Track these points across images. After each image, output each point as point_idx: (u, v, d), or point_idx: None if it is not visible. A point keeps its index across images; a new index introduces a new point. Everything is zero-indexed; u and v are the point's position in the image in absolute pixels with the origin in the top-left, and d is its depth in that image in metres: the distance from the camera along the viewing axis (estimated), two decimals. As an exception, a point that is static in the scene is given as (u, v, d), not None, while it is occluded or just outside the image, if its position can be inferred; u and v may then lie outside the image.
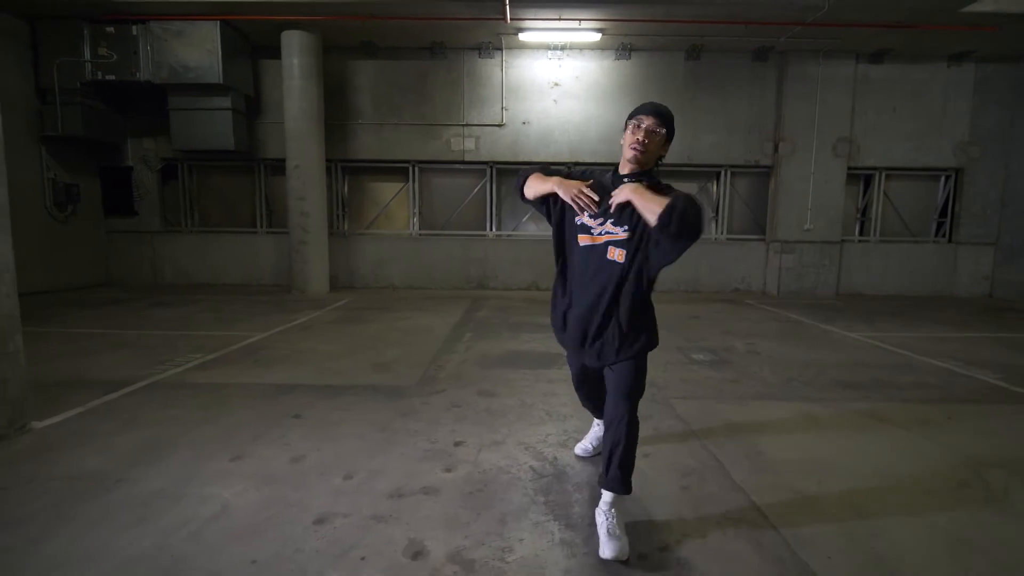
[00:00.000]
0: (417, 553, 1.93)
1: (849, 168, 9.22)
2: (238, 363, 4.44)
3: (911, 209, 9.77)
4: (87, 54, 7.89)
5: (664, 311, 7.33)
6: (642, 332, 2.03)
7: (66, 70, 7.84)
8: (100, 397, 3.53)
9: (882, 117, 9.20)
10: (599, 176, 2.10)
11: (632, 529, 2.10)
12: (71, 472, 2.50)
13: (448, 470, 2.59)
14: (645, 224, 1.86)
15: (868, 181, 9.69)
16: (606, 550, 1.90)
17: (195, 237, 9.59)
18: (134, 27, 7.84)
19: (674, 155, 9.19)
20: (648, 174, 2.01)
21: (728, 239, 9.65)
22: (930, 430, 3.22)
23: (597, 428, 2.75)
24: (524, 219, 9.71)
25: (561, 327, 2.19)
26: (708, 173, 9.63)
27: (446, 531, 2.07)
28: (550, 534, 2.07)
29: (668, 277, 9.49)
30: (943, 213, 9.74)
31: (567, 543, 2.02)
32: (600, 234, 2.00)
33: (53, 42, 7.83)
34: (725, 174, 9.51)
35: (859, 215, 9.82)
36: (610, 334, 2.02)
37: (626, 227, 1.95)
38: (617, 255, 1.97)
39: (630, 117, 2.01)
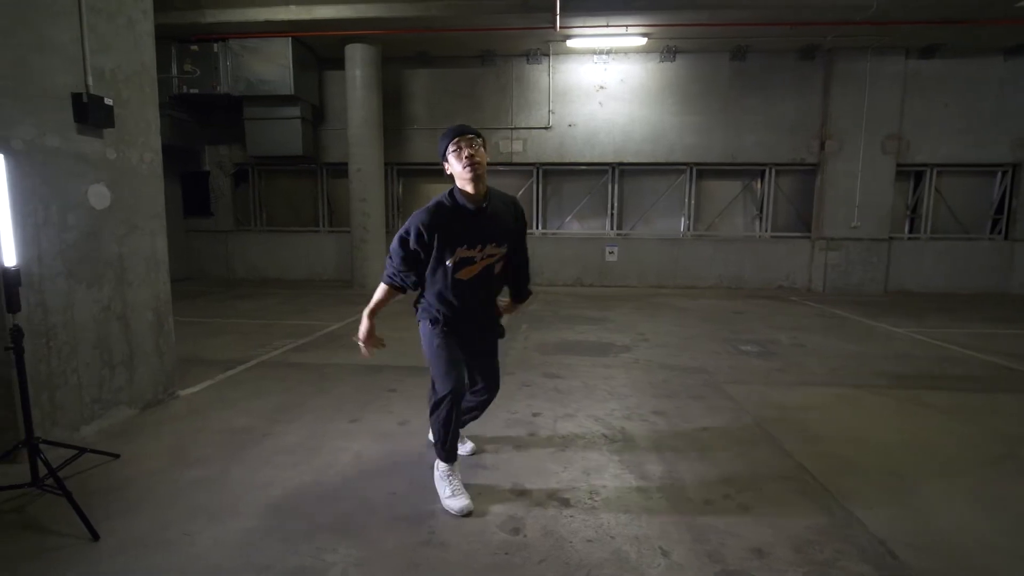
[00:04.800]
0: (521, 492, 2.38)
1: (898, 165, 9.21)
2: (327, 347, 5.01)
3: (964, 206, 9.65)
4: (174, 70, 8.71)
5: (708, 306, 7.64)
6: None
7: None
8: (223, 372, 4.13)
9: (933, 113, 9.14)
10: (439, 205, 2.17)
11: (698, 480, 2.48)
12: (226, 427, 3.06)
13: (531, 434, 3.03)
14: (515, 238, 2.32)
15: (919, 178, 9.64)
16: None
17: (264, 236, 10.38)
18: (215, 45, 8.60)
19: (717, 154, 9.47)
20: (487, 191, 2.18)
21: (772, 236, 9.78)
22: (971, 415, 3.46)
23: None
24: (568, 219, 10.09)
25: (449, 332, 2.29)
26: (752, 171, 9.78)
27: (541, 478, 2.51)
28: (628, 483, 2.48)
29: (711, 273, 9.71)
30: (999, 210, 9.60)
31: (643, 490, 2.43)
32: (483, 258, 2.20)
33: (145, 60, 8.66)
34: (770, 172, 9.64)
35: (909, 212, 9.78)
36: (492, 324, 2.42)
37: (505, 244, 2.25)
38: (500, 268, 2.30)
39: (445, 151, 2.13)
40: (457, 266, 2.15)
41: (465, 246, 2.13)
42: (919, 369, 4.51)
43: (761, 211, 9.83)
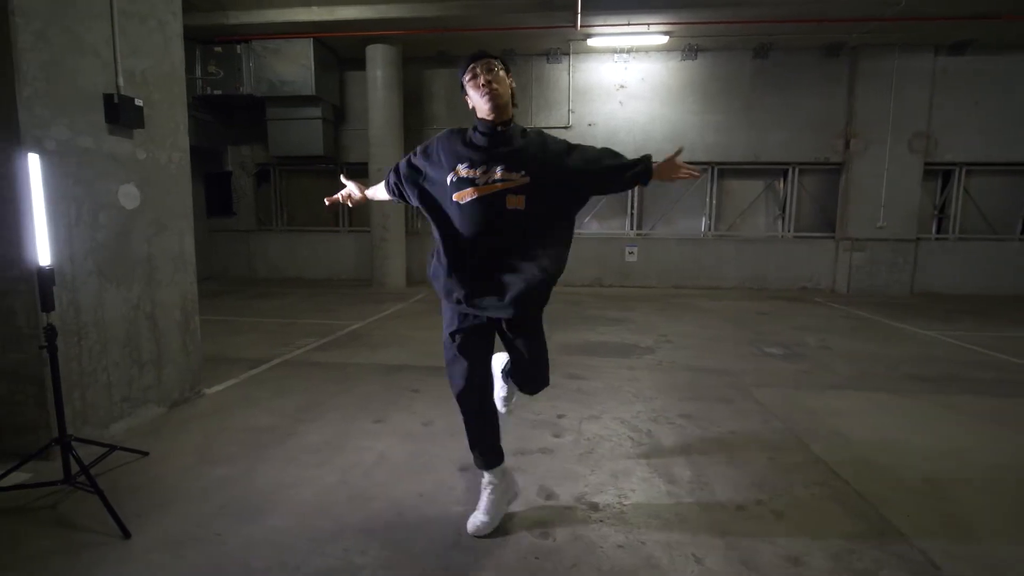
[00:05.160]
0: (548, 495, 2.35)
1: (926, 164, 8.98)
2: (349, 346, 5.03)
3: (994, 206, 9.37)
4: (198, 72, 8.84)
5: (730, 307, 7.52)
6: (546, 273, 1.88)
7: (180, 87, 8.81)
8: (247, 371, 4.17)
9: (962, 111, 8.89)
10: (460, 129, 1.96)
11: (729, 485, 2.43)
12: (250, 426, 3.08)
13: (557, 436, 3.00)
14: (548, 166, 1.84)
15: (947, 177, 9.39)
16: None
17: (284, 235, 10.49)
18: (238, 46, 8.72)
19: (739, 153, 9.32)
20: (508, 123, 1.86)
21: (795, 236, 9.60)
22: (1006, 419, 3.35)
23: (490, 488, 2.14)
24: (587, 218, 10.01)
25: (465, 295, 1.88)
26: (775, 171, 9.62)
27: (569, 481, 2.47)
28: (657, 487, 2.44)
29: (732, 274, 9.56)
30: (1031, 209, 9.31)
31: (673, 494, 2.38)
32: (488, 182, 1.81)
33: (170, 62, 8.81)
34: (793, 171, 9.47)
35: (936, 212, 9.53)
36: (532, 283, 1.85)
37: (524, 171, 1.82)
38: (517, 202, 1.82)
39: (463, 81, 1.88)
40: (454, 186, 1.84)
41: (467, 164, 1.83)
42: (950, 372, 4.38)
43: (784, 211, 9.67)
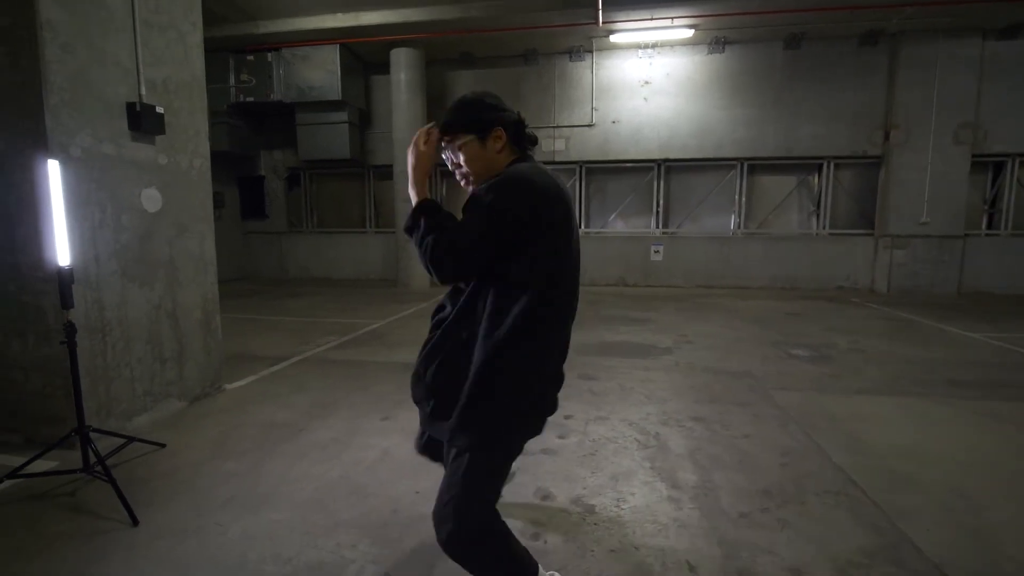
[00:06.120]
0: (545, 496, 2.33)
1: (974, 156, 8.49)
2: (368, 345, 5.12)
3: (1051, 199, 8.80)
4: (231, 80, 9.16)
5: (758, 307, 7.30)
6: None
7: (215, 96, 9.10)
8: (268, 368, 4.29)
9: (1014, 98, 8.36)
10: None
11: (735, 491, 2.36)
12: (265, 421, 3.17)
13: (561, 437, 2.97)
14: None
15: (998, 169, 8.85)
16: None
17: (314, 237, 10.77)
18: (269, 54, 8.99)
19: (770, 148, 9.03)
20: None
21: (831, 234, 9.24)
22: (1053, 428, 3.13)
23: None
24: (612, 217, 9.90)
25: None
26: (809, 165, 9.28)
27: (567, 483, 2.44)
28: (658, 492, 2.38)
29: (763, 273, 9.26)
30: (1093, 203, 8.69)
31: (674, 499, 2.32)
32: None
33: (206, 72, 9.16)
34: (828, 166, 9.11)
35: (987, 207, 9.00)
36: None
37: None
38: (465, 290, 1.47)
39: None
40: None
41: None
42: (992, 378, 4.12)
43: (818, 207, 9.31)
